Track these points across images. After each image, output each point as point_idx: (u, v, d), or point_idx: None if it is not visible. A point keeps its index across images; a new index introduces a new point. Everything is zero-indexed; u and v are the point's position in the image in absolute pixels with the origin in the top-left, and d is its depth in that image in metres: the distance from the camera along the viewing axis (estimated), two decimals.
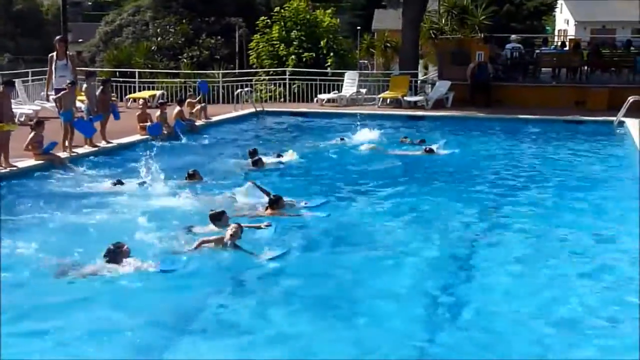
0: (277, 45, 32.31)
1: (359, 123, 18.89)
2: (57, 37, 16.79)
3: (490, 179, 14.12)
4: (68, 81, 15.66)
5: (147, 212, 10.49)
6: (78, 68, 17.92)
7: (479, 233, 10.30)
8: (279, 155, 15.71)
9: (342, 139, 18.01)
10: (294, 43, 31.90)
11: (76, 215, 10.65)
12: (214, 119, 21.38)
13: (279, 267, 8.68)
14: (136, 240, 9.06)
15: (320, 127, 21.31)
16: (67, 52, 16.47)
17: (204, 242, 9.04)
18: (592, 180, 14.09)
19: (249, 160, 14.89)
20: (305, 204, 11.34)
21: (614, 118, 19.92)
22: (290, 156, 15.75)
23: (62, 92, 15.58)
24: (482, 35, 27.95)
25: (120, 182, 12.64)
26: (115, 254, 8.33)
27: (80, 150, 15.77)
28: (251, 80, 27.94)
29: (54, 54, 16.14)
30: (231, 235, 8.99)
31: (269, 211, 10.83)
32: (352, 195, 12.48)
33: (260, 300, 7.72)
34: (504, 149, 17.64)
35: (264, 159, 14.97)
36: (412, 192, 12.74)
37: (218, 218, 9.95)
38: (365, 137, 17.96)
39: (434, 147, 16.56)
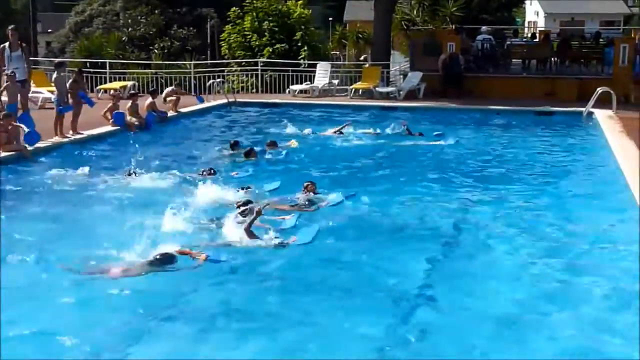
0: (249, 36, 32.24)
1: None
2: (10, 27, 16.38)
3: (466, 169, 14.27)
4: (8, 72, 15.36)
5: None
6: (45, 59, 17.73)
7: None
8: (272, 144, 15.82)
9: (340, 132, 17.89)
10: (266, 34, 31.86)
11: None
12: (186, 109, 21.30)
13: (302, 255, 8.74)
14: (167, 232, 9.09)
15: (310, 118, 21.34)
16: (21, 43, 16.12)
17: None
18: (561, 169, 14.27)
19: (242, 152, 14.86)
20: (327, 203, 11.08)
21: (583, 109, 20.14)
22: (292, 144, 15.91)
23: (4, 85, 15.32)
24: (454, 27, 28.08)
25: (132, 173, 12.43)
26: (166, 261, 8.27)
27: (50, 142, 15.61)
28: (223, 71, 27.89)
29: (7, 44, 15.83)
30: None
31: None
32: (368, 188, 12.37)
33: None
34: (476, 139, 17.76)
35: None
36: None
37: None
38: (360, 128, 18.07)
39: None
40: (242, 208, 9.76)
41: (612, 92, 20.05)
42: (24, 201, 11.07)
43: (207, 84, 23.80)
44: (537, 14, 69.47)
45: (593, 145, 16.44)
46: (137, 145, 13.92)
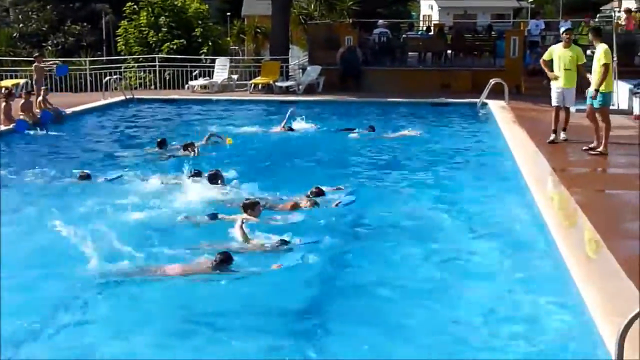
0: (145, 32, 31.75)
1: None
2: None
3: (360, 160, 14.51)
4: None
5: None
6: None
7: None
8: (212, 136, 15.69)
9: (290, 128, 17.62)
10: (163, 29, 31.46)
11: None
12: (83, 107, 20.85)
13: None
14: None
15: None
16: None
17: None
18: (457, 158, 14.65)
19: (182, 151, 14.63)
20: (337, 205, 10.81)
21: (477, 100, 20.71)
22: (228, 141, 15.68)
23: None
24: (351, 21, 28.43)
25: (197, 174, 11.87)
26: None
27: None
28: (120, 67, 27.41)
29: None
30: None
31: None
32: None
33: None
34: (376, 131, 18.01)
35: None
36: None
37: (251, 207, 9.86)
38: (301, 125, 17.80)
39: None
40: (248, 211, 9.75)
41: (504, 83, 20.69)
42: None
43: (104, 81, 23.35)
44: (432, 8, 70.88)
45: (488, 135, 16.91)
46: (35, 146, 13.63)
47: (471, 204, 10.83)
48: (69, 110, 19.94)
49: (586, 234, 8.64)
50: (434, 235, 9.35)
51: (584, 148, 13.66)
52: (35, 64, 20.98)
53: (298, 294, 7.64)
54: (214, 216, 9.87)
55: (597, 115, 13.60)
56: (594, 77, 13.45)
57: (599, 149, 13.44)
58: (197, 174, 11.80)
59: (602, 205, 10.08)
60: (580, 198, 10.12)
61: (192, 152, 14.41)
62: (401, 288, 7.73)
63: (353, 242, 9.29)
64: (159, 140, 15.29)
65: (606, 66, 13.20)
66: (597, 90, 13.29)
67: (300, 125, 17.70)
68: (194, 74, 26.16)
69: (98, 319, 7.04)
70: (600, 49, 13.42)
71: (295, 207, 10.43)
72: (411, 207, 10.73)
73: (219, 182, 11.32)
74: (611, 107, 18.46)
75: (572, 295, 6.92)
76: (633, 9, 32.82)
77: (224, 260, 8.06)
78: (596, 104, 13.50)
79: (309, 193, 10.90)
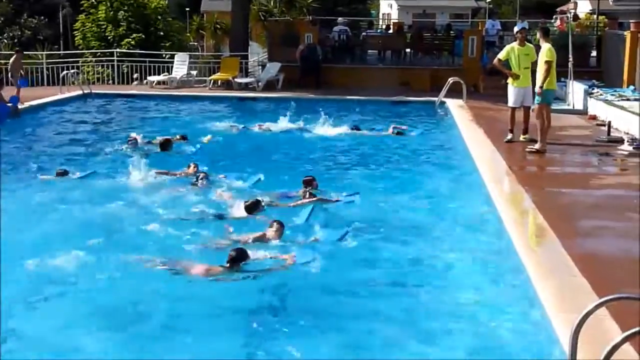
0: (104, 26, 31.41)
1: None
2: None
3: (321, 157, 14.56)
4: None
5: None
6: None
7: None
8: (182, 137, 15.40)
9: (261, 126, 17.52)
10: (122, 24, 31.16)
11: None
12: (39, 101, 20.59)
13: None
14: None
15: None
16: None
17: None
18: (414, 155, 14.80)
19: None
20: (338, 200, 10.86)
21: (435, 98, 20.89)
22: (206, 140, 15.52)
23: None
24: (311, 18, 28.46)
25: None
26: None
27: None
28: (78, 62, 27.11)
29: None
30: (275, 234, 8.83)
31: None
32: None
33: None
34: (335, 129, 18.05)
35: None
36: None
37: (254, 208, 9.83)
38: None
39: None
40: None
41: (462, 82, 20.90)
42: None
43: (61, 75, 23.08)
44: (391, 7, 71.17)
45: (446, 134, 17.08)
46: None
47: (427, 201, 10.97)
48: (26, 104, 19.67)
49: (541, 231, 8.80)
50: (389, 233, 9.41)
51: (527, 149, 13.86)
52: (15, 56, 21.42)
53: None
54: (220, 216, 9.81)
55: (536, 111, 13.89)
56: (537, 75, 13.75)
57: (536, 146, 13.67)
58: (205, 176, 11.66)
59: (557, 204, 10.26)
60: (536, 196, 10.30)
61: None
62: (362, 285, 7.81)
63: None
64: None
65: (549, 64, 13.49)
66: (541, 88, 13.58)
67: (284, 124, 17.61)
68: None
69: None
70: (545, 47, 13.76)
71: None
72: (369, 204, 10.81)
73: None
74: (567, 107, 18.89)
75: (527, 292, 7.05)
76: (587, 12, 33.42)
77: (238, 258, 7.87)
78: (537, 101, 13.79)
79: (305, 189, 10.93)
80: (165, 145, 14.48)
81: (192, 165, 12.30)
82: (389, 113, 20.20)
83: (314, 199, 10.65)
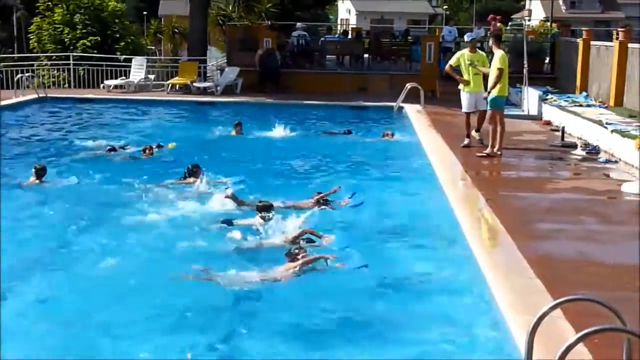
0: (60, 29, 31.05)
1: None
2: None
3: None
4: None
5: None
6: None
7: None
8: (159, 146, 15.25)
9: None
10: (78, 27, 30.83)
11: None
12: None
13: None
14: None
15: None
16: None
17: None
18: (372, 160, 14.83)
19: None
20: (345, 203, 10.90)
21: (394, 103, 21.01)
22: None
23: None
24: (269, 23, 28.47)
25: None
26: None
27: None
28: (33, 65, 26.75)
29: None
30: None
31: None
32: None
33: None
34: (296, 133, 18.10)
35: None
36: None
37: (267, 210, 9.79)
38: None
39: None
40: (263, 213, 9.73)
41: (420, 87, 21.07)
42: None
43: (16, 79, 22.78)
44: (349, 12, 71.59)
45: (403, 139, 17.16)
46: None
47: (386, 205, 11.05)
48: None
49: (496, 233, 8.93)
50: (348, 236, 9.47)
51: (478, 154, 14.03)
52: None
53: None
54: (229, 222, 9.74)
55: (488, 117, 14.11)
56: (489, 81, 13.97)
57: (486, 151, 13.86)
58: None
59: (512, 207, 10.42)
60: (491, 200, 10.45)
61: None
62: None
63: None
64: (108, 148, 14.84)
65: (500, 70, 13.69)
66: (489, 93, 13.80)
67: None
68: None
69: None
70: (497, 54, 13.96)
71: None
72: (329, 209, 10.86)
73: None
74: (522, 113, 19.18)
75: (483, 293, 7.15)
76: (541, 19, 33.91)
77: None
78: (489, 106, 13.99)
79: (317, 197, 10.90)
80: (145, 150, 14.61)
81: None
82: (346, 118, 20.29)
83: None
